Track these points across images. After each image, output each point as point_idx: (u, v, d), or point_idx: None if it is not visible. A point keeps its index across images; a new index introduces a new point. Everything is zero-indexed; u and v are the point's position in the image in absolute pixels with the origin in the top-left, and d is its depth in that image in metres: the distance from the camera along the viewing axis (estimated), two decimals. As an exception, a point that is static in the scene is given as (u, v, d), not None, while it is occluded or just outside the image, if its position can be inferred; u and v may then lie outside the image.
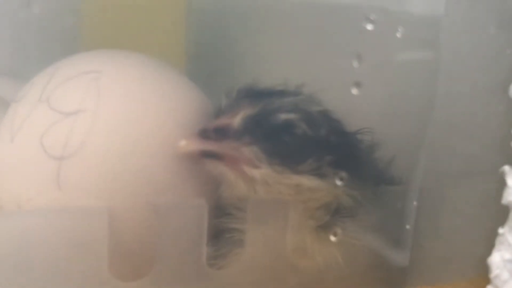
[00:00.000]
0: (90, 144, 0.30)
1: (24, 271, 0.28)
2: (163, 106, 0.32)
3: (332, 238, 0.32)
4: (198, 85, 0.35)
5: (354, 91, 0.33)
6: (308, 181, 0.31)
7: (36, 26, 0.40)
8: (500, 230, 0.32)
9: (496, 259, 0.32)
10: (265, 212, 0.31)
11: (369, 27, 0.33)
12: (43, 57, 0.36)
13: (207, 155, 0.31)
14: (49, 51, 0.39)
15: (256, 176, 0.31)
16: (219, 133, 0.31)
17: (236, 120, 0.31)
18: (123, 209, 0.29)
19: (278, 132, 0.31)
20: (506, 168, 0.32)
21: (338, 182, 0.32)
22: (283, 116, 0.31)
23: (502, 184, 0.32)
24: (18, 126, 0.31)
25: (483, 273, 0.33)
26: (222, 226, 0.32)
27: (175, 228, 0.30)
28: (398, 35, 0.34)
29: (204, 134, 0.31)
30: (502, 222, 0.33)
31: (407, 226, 0.36)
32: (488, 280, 0.33)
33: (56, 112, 0.30)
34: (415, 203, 0.36)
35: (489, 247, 0.33)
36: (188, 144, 0.31)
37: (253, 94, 0.32)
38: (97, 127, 0.30)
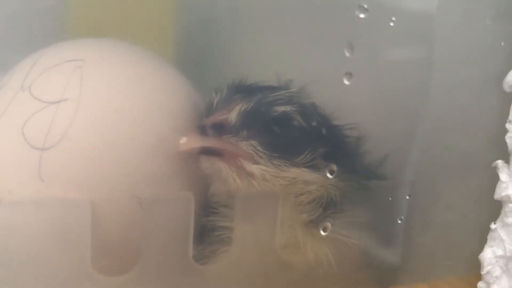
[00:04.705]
0: (72, 134, 0.29)
1: (3, 265, 0.27)
2: (148, 96, 0.31)
3: (322, 233, 0.32)
4: (187, 75, 0.34)
5: (346, 81, 0.33)
6: (304, 173, 0.31)
7: (21, 14, 0.39)
8: (492, 226, 0.32)
9: (488, 255, 0.32)
10: (255, 209, 0.31)
11: (362, 15, 0.32)
12: (28, 46, 0.35)
13: (205, 152, 0.31)
14: (34, 39, 0.38)
15: (255, 172, 0.31)
16: (217, 129, 0.31)
17: (233, 115, 0.31)
18: (107, 202, 0.29)
19: (276, 125, 0.31)
20: (499, 162, 0.32)
21: (329, 175, 0.32)
22: (280, 109, 0.31)
23: (495, 179, 0.32)
24: (-2, 115, 0.30)
25: (476, 269, 0.32)
26: (211, 224, 0.32)
27: (160, 222, 0.29)
28: (391, 25, 0.33)
29: (203, 130, 0.31)
30: (494, 217, 0.32)
31: (399, 222, 0.36)
32: (480, 276, 0.32)
33: (38, 101, 0.30)
34: (407, 197, 0.35)
35: (482, 242, 0.32)
36: (188, 142, 0.31)
37: (244, 89, 0.32)
38: (80, 116, 0.29)
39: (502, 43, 0.35)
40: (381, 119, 0.35)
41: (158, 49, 0.36)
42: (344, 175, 0.32)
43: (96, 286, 0.29)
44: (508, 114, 0.32)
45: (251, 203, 0.31)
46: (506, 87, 0.33)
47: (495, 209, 0.32)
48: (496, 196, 0.32)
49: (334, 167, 0.32)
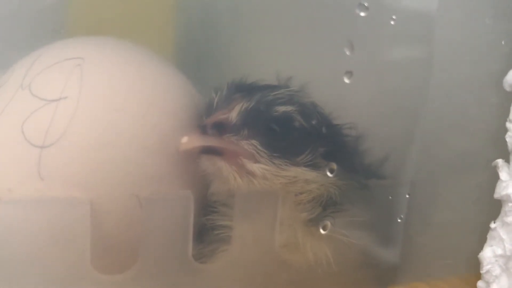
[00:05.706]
0: (72, 132, 0.29)
1: (3, 263, 0.27)
2: (148, 95, 0.31)
3: (322, 232, 0.32)
4: (187, 74, 0.34)
5: (346, 80, 0.33)
6: (304, 172, 0.31)
7: (22, 13, 0.39)
8: (492, 225, 0.32)
9: (487, 254, 0.32)
10: (254, 208, 0.31)
11: (362, 13, 0.32)
12: (28, 45, 0.35)
13: (206, 151, 0.31)
14: (34, 38, 0.38)
15: (256, 171, 0.31)
16: (218, 129, 0.31)
17: (233, 115, 0.31)
18: (107, 201, 0.29)
19: (277, 125, 0.31)
20: (499, 161, 0.32)
21: (329, 174, 0.32)
22: (281, 109, 0.31)
23: (495, 178, 0.32)
24: (-2, 113, 0.30)
25: (475, 268, 0.32)
26: (210, 223, 0.32)
27: (160, 220, 0.29)
28: (392, 24, 0.33)
29: (203, 130, 0.31)
30: (494, 216, 0.32)
31: (399, 221, 0.36)
32: (479, 276, 0.32)
33: (37, 99, 0.29)
34: (407, 196, 0.35)
35: (481, 242, 0.32)
36: (189, 141, 0.31)
37: (244, 88, 0.32)
38: (80, 114, 0.29)
39: (503, 42, 0.35)
40: (381, 118, 0.35)
41: (158, 49, 0.36)
42: (344, 174, 0.32)
43: (95, 284, 0.29)
44: (508, 113, 0.31)
45: (251, 202, 0.31)
46: (506, 86, 0.33)
47: (494, 208, 0.32)
48: (496, 195, 0.32)
49: (334, 166, 0.32)
